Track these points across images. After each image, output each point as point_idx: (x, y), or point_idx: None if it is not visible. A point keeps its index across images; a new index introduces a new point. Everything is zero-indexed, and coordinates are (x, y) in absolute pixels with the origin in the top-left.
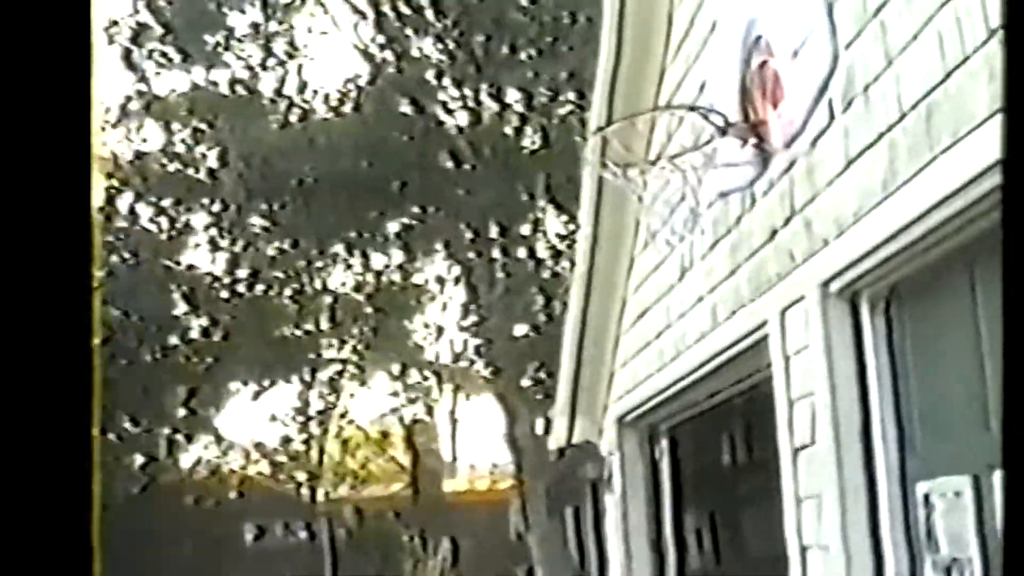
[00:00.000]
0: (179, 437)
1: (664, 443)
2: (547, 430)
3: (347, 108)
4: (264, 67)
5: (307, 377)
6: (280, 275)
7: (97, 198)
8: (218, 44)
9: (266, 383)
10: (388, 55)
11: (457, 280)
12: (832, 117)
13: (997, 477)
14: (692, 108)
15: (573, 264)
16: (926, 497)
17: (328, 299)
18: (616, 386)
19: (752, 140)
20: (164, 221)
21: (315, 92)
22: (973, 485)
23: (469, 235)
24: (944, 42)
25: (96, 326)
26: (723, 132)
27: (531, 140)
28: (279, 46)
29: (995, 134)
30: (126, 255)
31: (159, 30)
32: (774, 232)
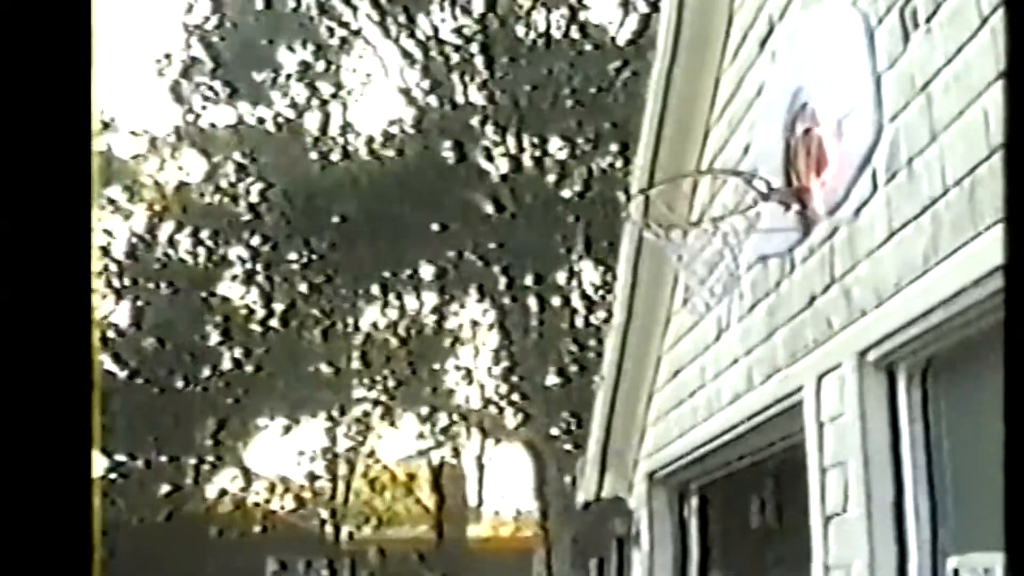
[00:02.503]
0: (205, 467)
1: (694, 502)
2: (575, 482)
3: (390, 150)
4: (309, 106)
5: (336, 415)
6: (314, 312)
7: (138, 225)
8: (265, 81)
9: (295, 418)
10: (433, 100)
11: (491, 326)
12: (875, 187)
13: None
14: (736, 173)
15: (608, 315)
16: (956, 572)
17: (360, 338)
18: (648, 442)
19: (795, 206)
20: (202, 252)
21: (358, 133)
22: (1005, 562)
23: (504, 281)
24: (989, 119)
25: (95, 343)
26: (766, 197)
27: (571, 190)
28: (325, 86)
29: None
30: (163, 284)
31: (209, 65)
32: (813, 298)
